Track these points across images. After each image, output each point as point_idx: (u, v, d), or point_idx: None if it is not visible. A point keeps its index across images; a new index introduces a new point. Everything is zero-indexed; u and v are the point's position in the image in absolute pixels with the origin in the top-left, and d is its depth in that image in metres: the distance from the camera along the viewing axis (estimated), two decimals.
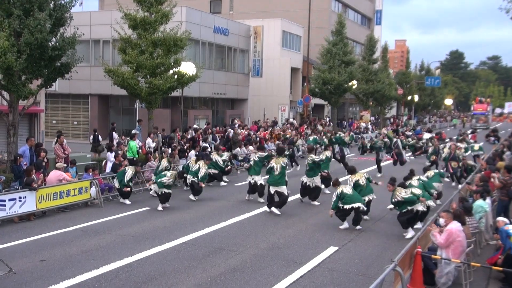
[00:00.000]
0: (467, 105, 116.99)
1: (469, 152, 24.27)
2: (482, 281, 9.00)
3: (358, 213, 12.25)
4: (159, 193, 14.29)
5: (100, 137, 22.80)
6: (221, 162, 17.87)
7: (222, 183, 18.44)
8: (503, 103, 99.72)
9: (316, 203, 15.08)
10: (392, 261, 7.01)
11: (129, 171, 15.11)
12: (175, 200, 15.26)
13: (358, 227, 12.27)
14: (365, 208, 12.43)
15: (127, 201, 15.11)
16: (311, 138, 25.20)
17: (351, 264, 9.73)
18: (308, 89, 40.12)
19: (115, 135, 22.99)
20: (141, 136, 21.78)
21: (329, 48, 39.73)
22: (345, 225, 12.35)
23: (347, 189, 12.20)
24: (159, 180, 14.17)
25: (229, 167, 18.87)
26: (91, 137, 23.21)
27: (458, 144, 22.66)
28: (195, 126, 27.50)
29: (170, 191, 14.41)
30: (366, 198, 12.76)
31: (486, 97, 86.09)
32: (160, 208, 14.18)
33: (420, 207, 11.58)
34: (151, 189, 14.83)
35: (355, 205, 12.03)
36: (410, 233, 11.52)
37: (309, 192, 15.23)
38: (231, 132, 25.74)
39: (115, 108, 34.01)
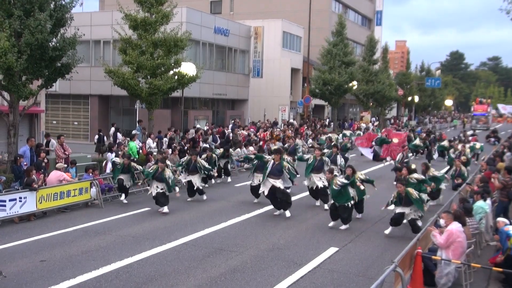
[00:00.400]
0: (467, 106, 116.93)
1: (473, 152, 25.37)
2: (482, 282, 8.99)
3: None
4: (155, 192, 13.93)
5: (105, 138, 22.83)
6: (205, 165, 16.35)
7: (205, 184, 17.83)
8: (495, 104, 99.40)
9: (317, 203, 15.04)
10: (392, 262, 7.00)
11: (117, 160, 15.33)
12: (175, 201, 15.26)
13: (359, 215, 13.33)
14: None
15: (123, 197, 15.04)
16: (323, 137, 25.59)
17: (351, 265, 9.73)
18: (309, 89, 40.15)
19: (119, 135, 23.02)
20: (141, 136, 21.80)
21: (330, 48, 39.78)
22: (346, 226, 12.39)
23: (342, 180, 12.42)
24: (145, 171, 14.63)
25: (214, 170, 17.56)
26: (96, 137, 23.24)
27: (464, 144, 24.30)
28: (198, 126, 27.55)
29: (162, 189, 13.82)
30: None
31: (486, 98, 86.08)
32: (166, 210, 13.81)
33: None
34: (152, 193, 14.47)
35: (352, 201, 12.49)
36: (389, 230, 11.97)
37: (314, 193, 15.08)
38: (230, 133, 25.75)
39: (115, 109, 34.02)
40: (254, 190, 15.05)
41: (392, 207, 12.09)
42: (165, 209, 13.81)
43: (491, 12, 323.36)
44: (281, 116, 40.04)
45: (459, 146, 23.25)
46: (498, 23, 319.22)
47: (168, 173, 13.97)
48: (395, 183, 13.20)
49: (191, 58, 27.06)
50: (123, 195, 15.14)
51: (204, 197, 15.56)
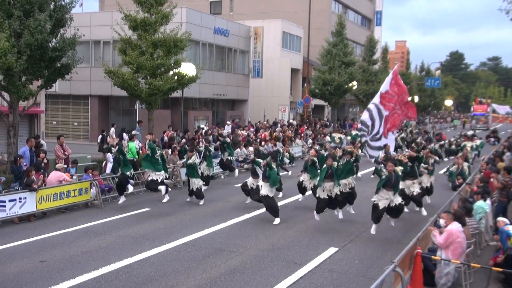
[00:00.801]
0: (467, 106, 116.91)
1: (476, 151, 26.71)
2: (482, 282, 8.99)
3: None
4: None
5: (108, 138, 22.79)
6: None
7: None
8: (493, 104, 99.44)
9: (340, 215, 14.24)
10: (392, 262, 7.00)
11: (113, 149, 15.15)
12: (175, 201, 15.27)
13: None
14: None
15: (121, 200, 14.87)
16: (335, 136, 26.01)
17: (351, 265, 9.73)
18: (308, 90, 40.16)
19: (124, 135, 22.99)
20: (141, 137, 21.79)
21: (329, 49, 39.78)
22: (340, 215, 13.01)
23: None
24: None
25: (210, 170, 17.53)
26: (100, 137, 23.22)
27: (466, 143, 26.10)
28: (202, 126, 27.55)
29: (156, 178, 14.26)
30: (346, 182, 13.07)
31: (486, 98, 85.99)
32: (163, 191, 14.31)
33: None
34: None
35: None
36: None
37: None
38: (230, 134, 25.78)
39: (115, 109, 34.02)
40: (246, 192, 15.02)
41: (374, 197, 11.81)
42: (163, 190, 14.33)
43: (491, 12, 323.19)
44: (281, 116, 40.04)
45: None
46: (498, 23, 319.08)
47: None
48: None
49: (191, 58, 27.05)
50: (122, 198, 14.91)
51: (201, 202, 15.23)
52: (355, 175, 13.65)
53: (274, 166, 13.08)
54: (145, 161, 14.57)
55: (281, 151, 21.86)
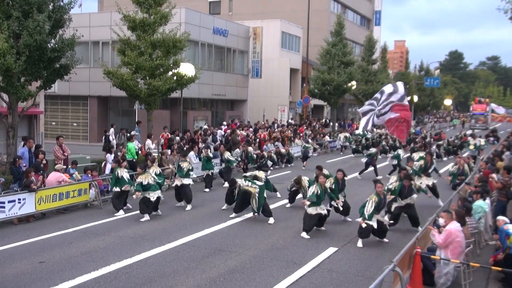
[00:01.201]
0: (466, 105, 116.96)
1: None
2: (481, 281, 9.00)
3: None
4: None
5: (111, 138, 22.80)
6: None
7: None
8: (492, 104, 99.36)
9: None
10: (391, 261, 7.01)
11: (120, 171, 14.00)
12: (174, 202, 15.24)
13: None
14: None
15: (121, 212, 13.87)
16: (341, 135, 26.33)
17: (350, 265, 9.74)
18: (308, 90, 40.16)
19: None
20: (140, 137, 21.79)
21: (328, 49, 39.80)
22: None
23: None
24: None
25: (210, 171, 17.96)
26: (103, 137, 23.23)
27: (470, 141, 27.55)
28: (205, 127, 27.55)
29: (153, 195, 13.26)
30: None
31: (485, 97, 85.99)
32: (146, 218, 13.12)
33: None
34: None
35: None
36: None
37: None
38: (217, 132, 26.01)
39: (114, 110, 34.03)
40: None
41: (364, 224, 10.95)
42: (145, 217, 13.12)
43: (491, 12, 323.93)
44: (280, 116, 40.04)
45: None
46: (497, 22, 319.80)
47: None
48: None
49: (190, 58, 27.06)
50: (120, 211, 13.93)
51: (188, 207, 14.55)
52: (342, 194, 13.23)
53: (257, 196, 12.93)
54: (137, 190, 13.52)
55: (266, 155, 22.25)
